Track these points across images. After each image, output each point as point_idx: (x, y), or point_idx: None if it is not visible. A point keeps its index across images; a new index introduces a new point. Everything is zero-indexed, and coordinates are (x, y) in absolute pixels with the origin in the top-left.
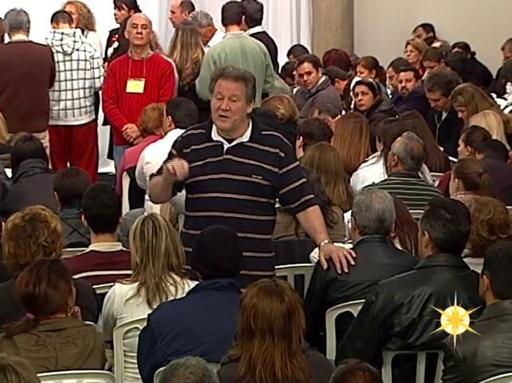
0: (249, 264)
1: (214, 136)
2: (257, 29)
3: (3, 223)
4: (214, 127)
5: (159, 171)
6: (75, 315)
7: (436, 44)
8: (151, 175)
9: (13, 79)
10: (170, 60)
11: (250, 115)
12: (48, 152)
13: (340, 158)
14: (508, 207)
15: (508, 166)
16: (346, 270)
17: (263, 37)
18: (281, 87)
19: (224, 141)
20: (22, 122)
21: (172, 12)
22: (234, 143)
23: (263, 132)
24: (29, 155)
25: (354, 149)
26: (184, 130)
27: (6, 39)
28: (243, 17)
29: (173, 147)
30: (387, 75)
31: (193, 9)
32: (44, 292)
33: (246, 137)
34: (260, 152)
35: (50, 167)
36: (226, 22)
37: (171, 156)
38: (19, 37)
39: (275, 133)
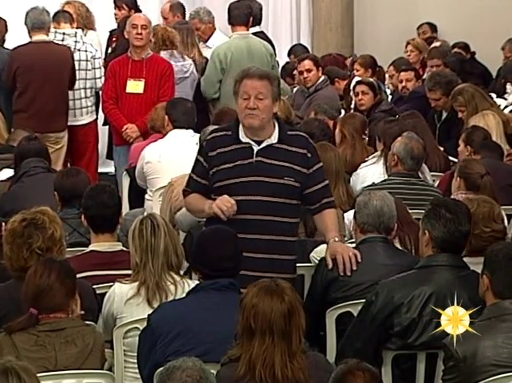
0: (279, 267)
1: (243, 137)
2: (255, 28)
3: (3, 224)
4: (241, 128)
5: (189, 184)
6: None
7: (436, 44)
8: (185, 191)
9: (37, 79)
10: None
11: (275, 115)
12: (64, 151)
13: (342, 157)
14: (507, 206)
15: (506, 165)
16: (348, 274)
17: (261, 36)
18: (281, 87)
19: (253, 143)
20: (45, 122)
21: (164, 18)
22: (263, 145)
23: (289, 133)
24: (33, 155)
25: (360, 147)
26: (179, 129)
27: (7, 39)
28: (251, 18)
29: (198, 153)
30: (388, 74)
31: (184, 10)
32: (51, 285)
33: (274, 138)
34: (289, 153)
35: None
36: (233, 22)
37: (198, 164)
38: (40, 37)
39: (300, 133)
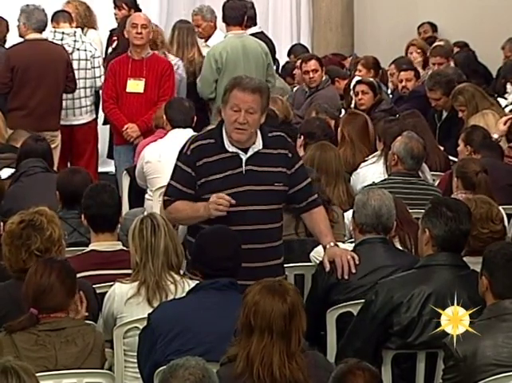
0: (272, 272)
1: (229, 146)
2: (254, 29)
3: (2, 224)
4: (225, 136)
5: (170, 192)
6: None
7: (440, 43)
8: (167, 201)
9: (33, 78)
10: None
11: None
12: (59, 150)
13: (343, 158)
14: (506, 205)
15: (505, 165)
16: (346, 277)
17: (261, 36)
18: (281, 86)
19: (240, 151)
20: (40, 121)
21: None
22: (250, 152)
23: (269, 135)
24: (39, 155)
25: (360, 148)
26: (177, 128)
27: (8, 38)
28: (246, 17)
29: (181, 162)
30: (389, 72)
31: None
32: (52, 285)
33: (259, 144)
34: (275, 156)
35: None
36: (228, 22)
37: (182, 173)
38: (35, 35)
39: (279, 133)
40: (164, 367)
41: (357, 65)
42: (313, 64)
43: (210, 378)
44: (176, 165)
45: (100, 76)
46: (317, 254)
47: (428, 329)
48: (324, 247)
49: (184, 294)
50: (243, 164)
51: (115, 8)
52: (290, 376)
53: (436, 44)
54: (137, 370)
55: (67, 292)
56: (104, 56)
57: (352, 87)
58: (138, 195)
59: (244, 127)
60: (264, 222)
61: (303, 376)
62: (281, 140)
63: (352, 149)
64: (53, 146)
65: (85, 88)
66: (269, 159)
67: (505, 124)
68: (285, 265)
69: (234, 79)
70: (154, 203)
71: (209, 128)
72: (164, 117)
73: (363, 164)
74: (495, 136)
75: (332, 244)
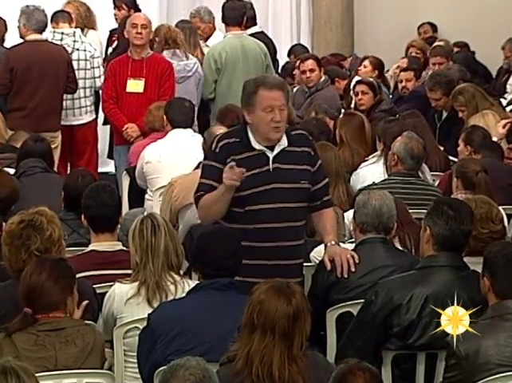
0: (292, 272)
1: (255, 144)
2: (255, 29)
3: (4, 224)
4: (251, 135)
5: (202, 189)
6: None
7: (440, 43)
8: (199, 196)
9: (33, 79)
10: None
11: None
12: (59, 151)
13: (342, 159)
14: (506, 206)
15: (505, 165)
16: (346, 276)
17: (261, 36)
18: None
19: (266, 149)
20: (40, 122)
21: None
22: (276, 150)
23: (292, 133)
24: (38, 156)
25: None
26: (177, 128)
27: (7, 39)
28: (245, 18)
29: (211, 160)
30: (398, 64)
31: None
32: (42, 283)
33: (284, 142)
34: (299, 154)
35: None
36: (228, 22)
37: (212, 170)
38: (35, 36)
39: (301, 131)
40: (164, 367)
41: (364, 60)
42: (310, 63)
43: (211, 378)
44: (205, 164)
45: (99, 77)
46: (317, 254)
47: (428, 331)
48: (325, 246)
49: (184, 294)
50: (270, 162)
51: (115, 8)
52: (289, 378)
53: (436, 44)
54: (137, 370)
55: (62, 290)
56: (104, 56)
57: (352, 87)
58: (138, 195)
59: (280, 125)
60: (290, 219)
61: (303, 379)
62: (303, 137)
63: (350, 150)
64: (53, 147)
65: (85, 88)
66: (294, 157)
67: (504, 127)
68: None
69: (254, 81)
70: (154, 203)
71: (214, 128)
72: (165, 117)
73: (363, 164)
74: (494, 139)
75: (333, 243)
